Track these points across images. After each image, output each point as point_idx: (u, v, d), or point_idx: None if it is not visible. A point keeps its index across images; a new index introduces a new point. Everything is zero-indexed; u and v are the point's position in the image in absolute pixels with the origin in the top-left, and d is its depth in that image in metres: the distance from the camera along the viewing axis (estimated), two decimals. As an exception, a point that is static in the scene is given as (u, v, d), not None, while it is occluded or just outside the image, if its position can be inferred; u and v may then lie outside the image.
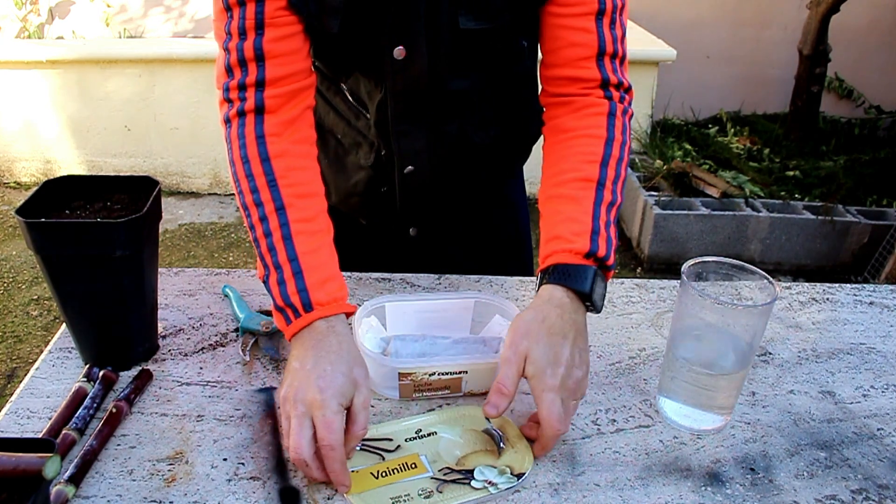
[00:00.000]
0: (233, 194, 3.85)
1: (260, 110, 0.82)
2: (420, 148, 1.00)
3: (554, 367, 0.74)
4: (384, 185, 1.05)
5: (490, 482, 0.71)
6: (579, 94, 0.87)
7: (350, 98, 1.00)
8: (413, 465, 0.73)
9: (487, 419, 0.78)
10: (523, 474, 0.72)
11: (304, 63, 0.85)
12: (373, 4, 0.85)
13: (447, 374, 0.81)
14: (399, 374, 0.80)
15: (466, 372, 0.81)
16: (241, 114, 0.82)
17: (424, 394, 0.82)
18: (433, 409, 0.82)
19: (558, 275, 0.78)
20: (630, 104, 0.89)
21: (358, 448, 0.75)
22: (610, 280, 0.83)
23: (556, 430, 0.72)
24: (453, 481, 0.72)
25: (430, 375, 0.80)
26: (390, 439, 0.77)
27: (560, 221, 0.82)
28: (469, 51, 0.92)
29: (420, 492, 0.70)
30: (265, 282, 0.79)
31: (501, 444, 0.76)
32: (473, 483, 0.71)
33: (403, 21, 0.86)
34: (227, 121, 0.83)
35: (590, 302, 0.78)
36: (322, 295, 0.77)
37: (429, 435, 0.77)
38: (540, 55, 0.93)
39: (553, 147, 0.89)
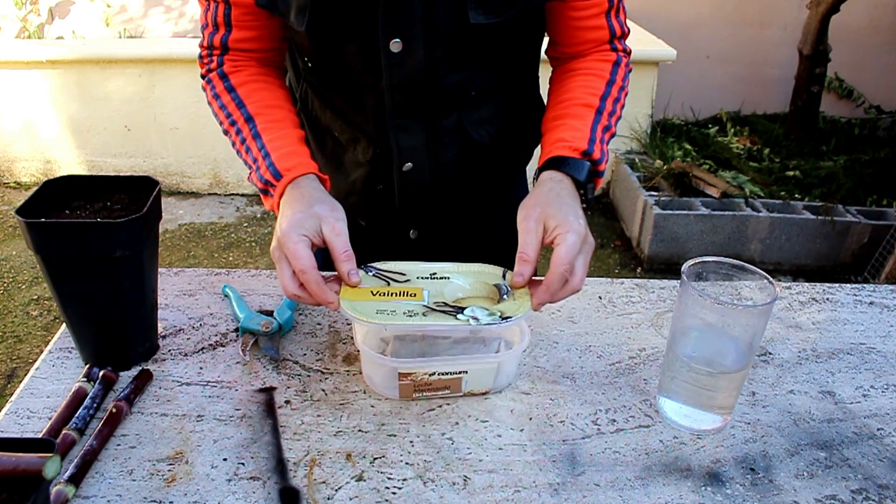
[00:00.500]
0: (232, 194, 3.86)
1: (221, 65, 0.97)
2: (418, 144, 1.00)
3: (575, 217, 0.80)
4: (383, 182, 1.05)
5: (474, 318, 0.73)
6: (589, 51, 0.98)
7: (347, 93, 1.00)
8: (413, 295, 0.77)
9: (503, 276, 0.81)
10: (510, 318, 0.73)
11: (266, 55, 0.99)
12: (339, 2, 0.86)
13: (447, 374, 0.80)
14: (399, 374, 0.80)
15: (466, 372, 0.81)
16: (210, 71, 0.97)
17: (424, 394, 0.82)
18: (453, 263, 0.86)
19: (557, 163, 0.87)
20: (629, 66, 1.00)
21: (370, 273, 0.82)
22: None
23: (565, 268, 0.76)
24: (441, 311, 0.75)
25: (430, 375, 0.80)
26: (403, 273, 0.81)
27: (561, 129, 0.91)
28: (470, 45, 0.92)
29: (406, 312, 0.73)
30: (250, 179, 0.90)
31: (504, 297, 0.78)
32: (459, 316, 0.74)
33: (398, 14, 0.86)
34: (203, 76, 0.99)
35: (583, 191, 0.86)
36: (287, 163, 0.87)
37: (441, 279, 0.81)
38: (547, 39, 1.03)
39: (559, 79, 0.99)
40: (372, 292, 0.78)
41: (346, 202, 0.94)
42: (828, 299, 1.09)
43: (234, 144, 0.93)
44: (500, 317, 0.74)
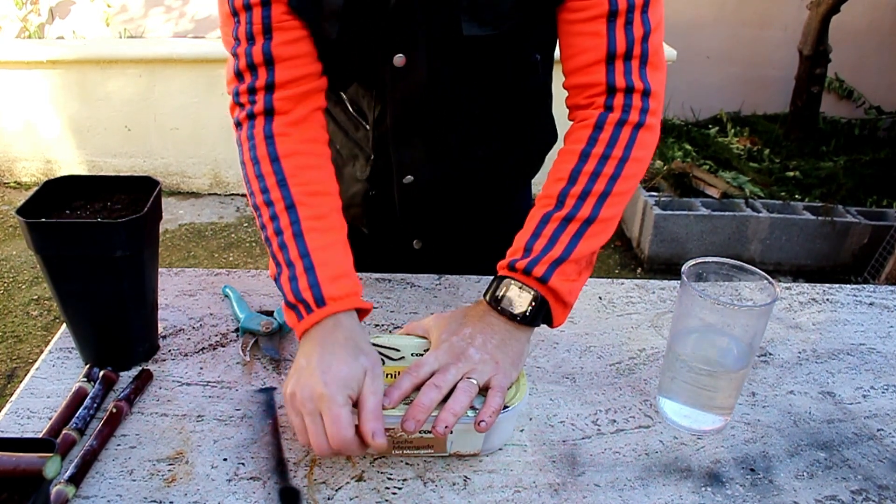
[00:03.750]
0: (232, 194, 3.85)
1: (269, 112, 0.82)
2: (419, 158, 0.97)
3: (448, 333, 0.77)
4: (381, 198, 1.04)
5: (472, 406, 0.71)
6: (583, 106, 0.83)
7: (350, 108, 0.99)
8: None
9: None
10: (507, 407, 0.72)
11: (314, 66, 0.84)
12: (372, 11, 0.83)
13: (430, 432, 0.70)
14: None
15: (451, 432, 0.71)
16: (251, 116, 0.82)
17: (405, 451, 0.74)
18: None
19: (486, 289, 0.81)
20: (644, 111, 0.81)
21: None
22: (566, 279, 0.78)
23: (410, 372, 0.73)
24: None
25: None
26: (398, 349, 0.78)
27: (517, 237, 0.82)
28: (473, 60, 0.89)
29: None
30: (277, 279, 0.78)
31: None
32: None
33: (402, 28, 0.83)
34: (238, 124, 0.84)
35: (498, 307, 0.78)
36: (335, 290, 0.75)
37: None
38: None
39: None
40: None
41: (348, 212, 0.92)
42: (828, 300, 1.09)
43: (263, 228, 0.79)
44: None
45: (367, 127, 0.98)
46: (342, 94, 0.98)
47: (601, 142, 0.80)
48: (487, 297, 0.79)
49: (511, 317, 0.77)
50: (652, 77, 0.81)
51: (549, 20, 0.85)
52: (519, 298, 0.77)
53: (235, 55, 0.83)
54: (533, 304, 0.77)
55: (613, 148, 0.79)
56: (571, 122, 0.86)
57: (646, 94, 0.81)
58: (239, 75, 0.83)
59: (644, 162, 0.82)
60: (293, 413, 0.70)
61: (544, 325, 0.79)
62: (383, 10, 0.82)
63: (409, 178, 0.99)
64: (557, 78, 0.96)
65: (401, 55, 0.85)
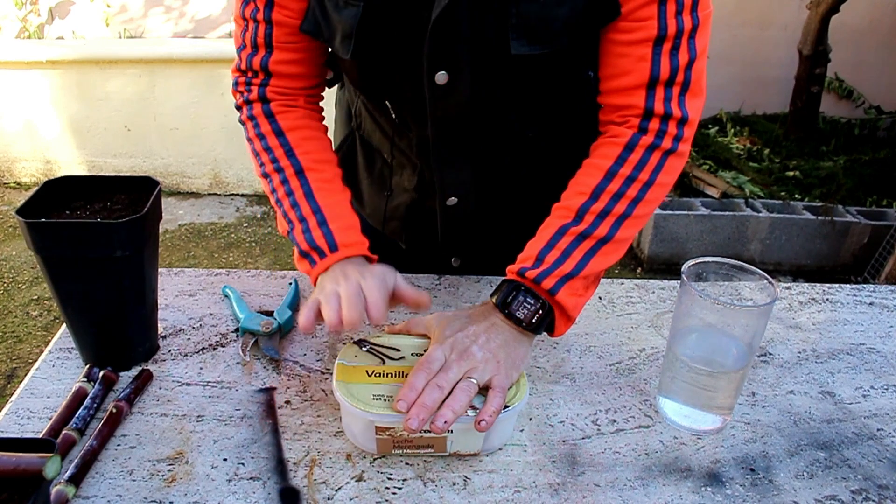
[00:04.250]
0: (232, 195, 3.86)
1: (264, 99, 0.90)
2: (465, 179, 0.95)
3: (452, 329, 0.77)
4: (426, 212, 1.01)
5: (472, 406, 0.71)
6: (617, 123, 0.82)
7: (393, 116, 0.94)
8: (407, 376, 0.74)
9: None
10: (508, 406, 0.72)
11: (309, 81, 0.91)
12: (390, 30, 0.80)
13: (430, 431, 0.70)
14: (376, 427, 0.72)
15: (451, 431, 0.72)
16: (249, 102, 0.90)
17: (405, 451, 0.74)
18: None
19: (494, 290, 0.81)
20: (677, 139, 0.79)
21: (365, 349, 0.79)
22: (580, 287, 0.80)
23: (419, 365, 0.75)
24: None
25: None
26: (397, 349, 0.78)
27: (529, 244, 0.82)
28: (522, 79, 0.84)
29: None
30: (290, 234, 0.85)
31: None
32: None
33: (445, 44, 0.79)
34: (238, 108, 0.92)
35: (506, 311, 0.78)
36: (345, 238, 0.82)
37: None
38: None
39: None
40: (367, 372, 0.75)
41: (386, 226, 0.94)
42: (828, 300, 1.09)
43: (274, 192, 0.87)
44: None
45: (411, 140, 0.95)
46: (386, 102, 0.93)
47: (630, 163, 0.79)
48: (494, 300, 0.80)
49: (516, 322, 0.78)
50: (690, 105, 0.80)
51: (598, 38, 0.82)
52: (525, 306, 0.78)
53: (239, 57, 0.90)
54: (539, 313, 0.78)
55: (641, 171, 0.79)
56: (600, 134, 0.85)
57: (682, 122, 0.80)
58: (241, 71, 0.91)
59: (668, 187, 0.81)
60: (327, 297, 0.76)
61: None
62: (416, 26, 0.78)
63: (454, 199, 0.97)
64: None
65: (443, 72, 0.81)
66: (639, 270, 3.28)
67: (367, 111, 1.02)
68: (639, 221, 0.80)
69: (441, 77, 0.81)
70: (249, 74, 0.89)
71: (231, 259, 3.25)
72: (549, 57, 0.80)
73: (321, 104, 0.96)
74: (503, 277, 0.82)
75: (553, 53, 0.79)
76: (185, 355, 0.89)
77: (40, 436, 0.74)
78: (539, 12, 0.76)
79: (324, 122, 0.95)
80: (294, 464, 0.73)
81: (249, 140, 0.90)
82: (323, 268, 0.82)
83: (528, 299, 0.78)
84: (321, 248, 0.82)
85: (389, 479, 0.72)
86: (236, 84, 0.92)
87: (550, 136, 0.96)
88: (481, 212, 1.00)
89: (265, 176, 0.88)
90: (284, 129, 0.88)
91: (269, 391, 0.84)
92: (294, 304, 0.98)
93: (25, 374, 0.91)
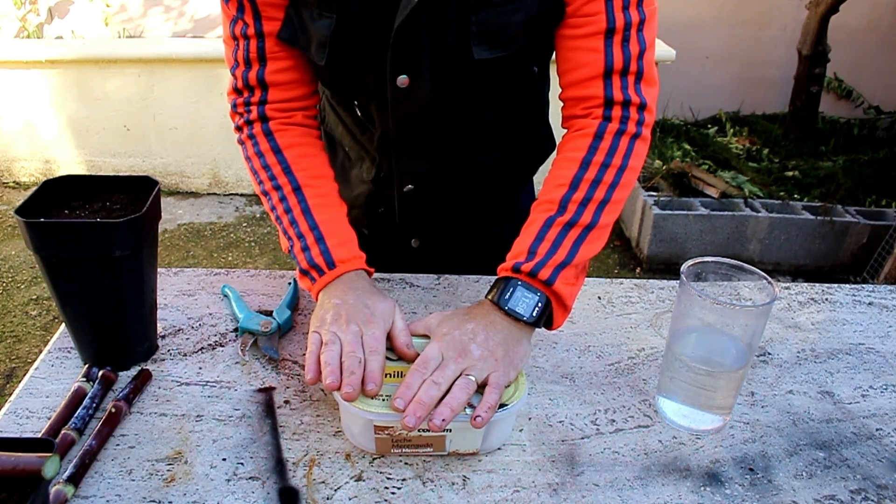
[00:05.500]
0: (231, 194, 3.85)
1: (264, 119, 0.92)
2: (421, 169, 1.00)
3: (450, 327, 0.77)
4: (383, 201, 1.06)
5: (470, 404, 0.71)
6: (581, 116, 0.86)
7: (359, 113, 0.99)
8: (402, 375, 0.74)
9: None
10: (506, 405, 0.72)
11: (305, 89, 0.93)
12: (360, 38, 0.85)
13: (429, 431, 0.71)
14: (375, 426, 0.72)
15: (450, 430, 0.72)
16: (249, 123, 0.92)
17: (404, 450, 0.75)
18: None
19: (490, 289, 0.82)
20: (640, 123, 0.84)
21: None
22: (567, 283, 0.80)
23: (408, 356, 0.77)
24: None
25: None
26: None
27: (516, 241, 0.84)
28: (478, 80, 0.90)
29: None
30: (290, 251, 0.87)
31: None
32: None
33: (406, 50, 0.84)
34: (239, 128, 0.94)
35: (506, 307, 0.78)
36: (342, 253, 0.85)
37: None
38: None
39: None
40: None
41: (349, 214, 0.96)
42: (827, 299, 1.10)
43: (273, 209, 0.89)
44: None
45: (374, 131, 0.99)
46: (354, 101, 0.99)
47: (601, 150, 0.83)
48: (492, 298, 0.80)
49: (517, 317, 0.78)
50: (647, 92, 0.85)
51: (550, 36, 0.88)
52: (525, 300, 0.78)
53: (234, 76, 0.91)
54: (539, 305, 0.78)
55: (613, 157, 0.83)
56: (566, 130, 0.88)
57: (641, 107, 0.84)
58: (237, 91, 0.92)
59: (638, 171, 0.86)
60: (329, 334, 0.76)
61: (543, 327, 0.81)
62: (382, 35, 0.83)
63: (410, 186, 1.01)
64: (553, 87, 0.98)
65: (404, 76, 0.87)
66: (638, 270, 3.28)
67: (331, 106, 1.06)
68: (617, 207, 0.83)
69: (402, 80, 0.87)
70: (247, 94, 0.91)
71: (230, 259, 3.25)
72: (506, 59, 0.86)
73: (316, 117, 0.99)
74: (487, 275, 0.85)
75: (510, 55, 0.85)
76: (185, 355, 0.89)
77: (39, 435, 0.74)
78: (497, 19, 0.82)
79: (320, 138, 0.97)
80: (293, 463, 0.73)
81: (248, 158, 0.92)
82: (322, 285, 0.84)
83: (527, 293, 0.79)
84: (319, 266, 0.84)
85: (388, 478, 0.72)
86: (235, 106, 0.93)
87: (501, 125, 1.01)
88: (436, 196, 1.04)
89: (264, 194, 0.90)
90: (282, 146, 0.90)
91: (268, 391, 0.84)
92: (293, 304, 0.98)
93: (24, 374, 0.91)
